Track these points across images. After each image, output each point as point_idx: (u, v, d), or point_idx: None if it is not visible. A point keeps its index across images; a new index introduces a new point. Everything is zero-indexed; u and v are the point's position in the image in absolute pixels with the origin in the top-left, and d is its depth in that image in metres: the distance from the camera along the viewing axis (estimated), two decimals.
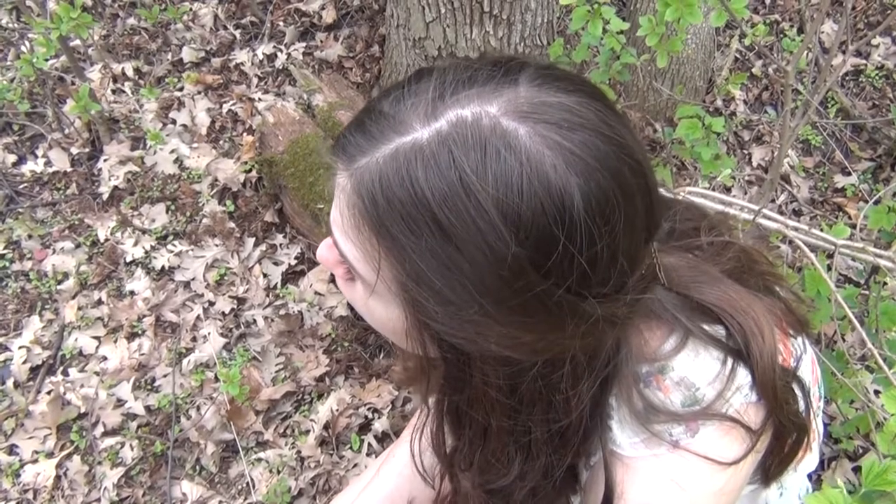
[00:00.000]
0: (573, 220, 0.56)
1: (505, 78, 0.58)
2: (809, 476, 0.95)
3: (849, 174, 2.31)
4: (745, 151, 2.37)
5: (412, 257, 0.57)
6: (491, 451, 0.76)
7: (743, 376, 0.69)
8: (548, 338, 0.62)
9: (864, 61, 2.53)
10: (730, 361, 0.69)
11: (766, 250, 1.34)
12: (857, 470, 1.75)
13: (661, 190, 0.77)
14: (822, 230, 1.28)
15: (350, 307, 1.99)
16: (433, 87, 0.58)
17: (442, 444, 0.84)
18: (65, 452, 1.81)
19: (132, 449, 1.81)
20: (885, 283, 1.47)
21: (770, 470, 0.76)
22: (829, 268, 1.26)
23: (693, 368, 0.69)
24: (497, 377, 0.66)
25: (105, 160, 2.25)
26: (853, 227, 2.06)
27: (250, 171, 2.21)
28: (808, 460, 0.85)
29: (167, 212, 2.18)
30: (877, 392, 1.70)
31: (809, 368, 0.79)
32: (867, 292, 1.63)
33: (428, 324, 0.62)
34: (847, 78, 2.52)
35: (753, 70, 2.50)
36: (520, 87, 0.58)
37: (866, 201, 2.26)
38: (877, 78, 2.49)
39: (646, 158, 0.62)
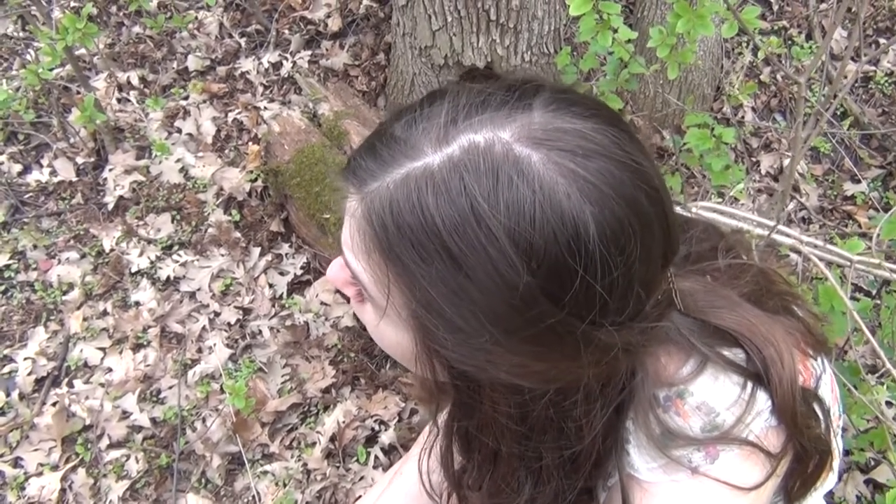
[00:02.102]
0: (587, 249, 0.54)
1: (519, 102, 0.57)
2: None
3: (858, 182, 2.30)
4: (754, 159, 2.36)
5: (422, 284, 0.56)
6: (501, 476, 0.75)
7: (763, 401, 0.68)
8: (560, 367, 0.61)
9: (873, 68, 2.51)
10: (749, 386, 0.68)
11: (775, 260, 1.32)
12: (868, 483, 1.73)
13: (677, 208, 0.76)
14: (833, 240, 1.27)
15: (357, 318, 1.98)
16: (446, 111, 0.57)
17: (450, 465, 0.82)
18: (70, 465, 1.80)
19: (137, 461, 1.80)
20: None
21: (792, 493, 0.75)
22: (841, 279, 1.24)
23: (712, 393, 0.68)
24: (507, 405, 0.65)
25: (110, 170, 2.24)
26: (863, 235, 2.05)
27: (256, 180, 2.20)
28: (829, 480, 0.84)
29: (172, 221, 2.17)
30: (889, 403, 1.69)
31: (829, 387, 0.77)
32: (878, 302, 1.61)
33: (438, 350, 0.61)
34: (856, 85, 2.50)
35: (762, 77, 2.48)
36: (534, 113, 0.56)
37: (876, 209, 2.24)
38: (886, 84, 2.47)
39: (663, 184, 0.61)
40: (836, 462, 0.81)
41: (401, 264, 0.57)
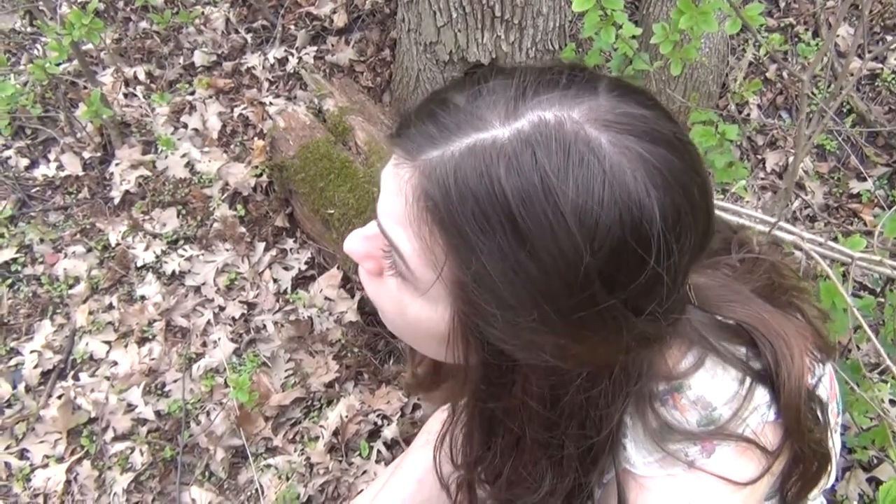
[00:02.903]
0: (650, 234, 0.55)
1: (585, 85, 0.58)
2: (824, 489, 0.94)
3: (864, 180, 2.29)
4: (759, 156, 2.35)
5: (479, 257, 0.55)
6: (523, 464, 0.73)
7: (761, 396, 0.68)
8: (598, 351, 0.61)
9: (880, 65, 2.49)
10: (748, 381, 0.68)
11: (782, 256, 1.33)
12: (871, 481, 1.73)
13: None
14: (836, 239, 1.27)
15: (362, 312, 1.98)
16: (514, 86, 0.57)
17: (469, 452, 0.80)
18: (75, 457, 1.82)
19: (142, 454, 1.81)
20: None
21: (788, 496, 0.75)
22: (844, 277, 1.24)
23: (710, 388, 0.68)
24: (540, 387, 0.64)
25: (117, 164, 2.25)
26: (868, 233, 2.04)
27: (261, 175, 2.21)
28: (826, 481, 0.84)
29: (178, 216, 2.19)
30: (892, 402, 1.68)
31: (828, 385, 0.77)
32: (883, 300, 1.61)
33: (479, 327, 0.60)
34: (863, 82, 2.49)
35: (767, 74, 2.47)
36: (600, 96, 0.57)
37: (882, 207, 2.23)
38: (893, 82, 2.46)
39: (708, 178, 0.62)
40: (834, 460, 0.82)
41: (459, 235, 0.55)
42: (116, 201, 2.21)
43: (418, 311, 0.64)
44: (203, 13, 2.56)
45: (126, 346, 1.97)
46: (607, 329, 0.58)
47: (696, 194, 0.58)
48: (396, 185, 0.59)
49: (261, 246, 2.13)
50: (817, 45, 2.48)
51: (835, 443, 0.82)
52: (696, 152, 0.60)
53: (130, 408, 1.88)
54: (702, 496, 0.68)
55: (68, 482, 1.79)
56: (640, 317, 0.59)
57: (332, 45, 2.49)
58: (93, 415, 1.86)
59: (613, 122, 0.55)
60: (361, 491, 1.18)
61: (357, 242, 0.67)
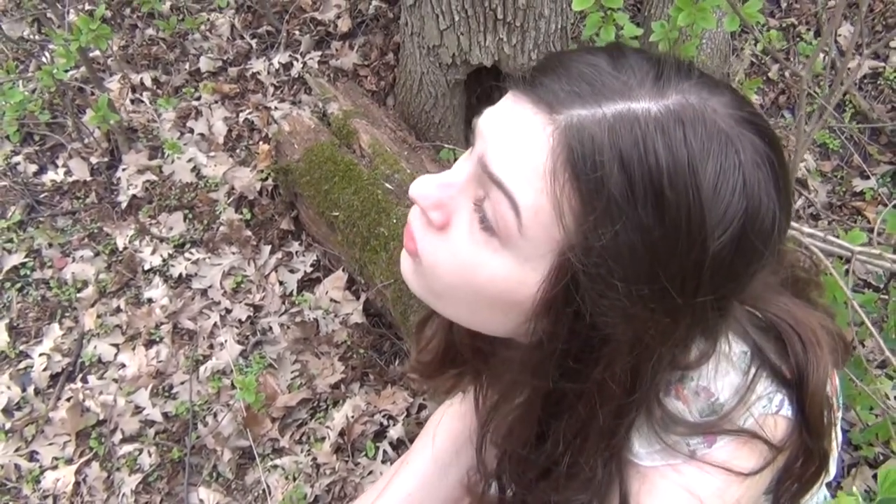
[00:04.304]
0: (765, 231, 0.57)
1: (713, 81, 0.60)
2: (828, 484, 0.94)
3: (867, 178, 2.29)
4: None
5: (616, 223, 0.54)
6: (585, 455, 0.70)
7: (764, 386, 0.68)
8: (680, 334, 0.61)
9: (882, 64, 2.50)
10: (752, 371, 0.68)
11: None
12: (877, 477, 1.73)
13: None
14: (838, 236, 1.27)
15: (367, 313, 2.00)
16: (655, 66, 0.58)
17: (525, 441, 0.76)
18: (84, 459, 1.83)
19: (150, 455, 1.83)
20: None
21: (782, 498, 0.75)
22: (846, 273, 1.25)
23: (714, 378, 0.69)
24: (623, 368, 0.63)
25: (124, 169, 2.28)
26: (871, 230, 2.04)
27: (266, 179, 2.23)
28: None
29: (185, 220, 2.20)
30: None
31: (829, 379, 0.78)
32: (886, 296, 1.61)
33: (586, 295, 0.58)
34: (865, 81, 2.49)
35: (770, 74, 2.48)
36: (727, 94, 0.59)
37: (885, 205, 2.23)
38: (895, 80, 2.47)
39: None
40: (834, 454, 0.82)
41: (601, 199, 0.54)
42: (124, 206, 2.23)
43: (499, 271, 0.60)
44: (208, 19, 2.58)
45: (134, 349, 1.99)
46: (695, 315, 0.59)
47: (790, 197, 0.61)
48: (527, 135, 0.57)
49: (266, 249, 2.15)
50: (818, 44, 2.49)
51: (836, 436, 0.83)
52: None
53: (138, 410, 1.89)
54: (703, 486, 0.68)
55: (77, 483, 1.80)
56: (721, 311, 0.61)
57: (336, 50, 2.51)
58: (101, 417, 1.88)
59: (744, 119, 0.58)
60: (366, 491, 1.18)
61: (430, 188, 0.63)
